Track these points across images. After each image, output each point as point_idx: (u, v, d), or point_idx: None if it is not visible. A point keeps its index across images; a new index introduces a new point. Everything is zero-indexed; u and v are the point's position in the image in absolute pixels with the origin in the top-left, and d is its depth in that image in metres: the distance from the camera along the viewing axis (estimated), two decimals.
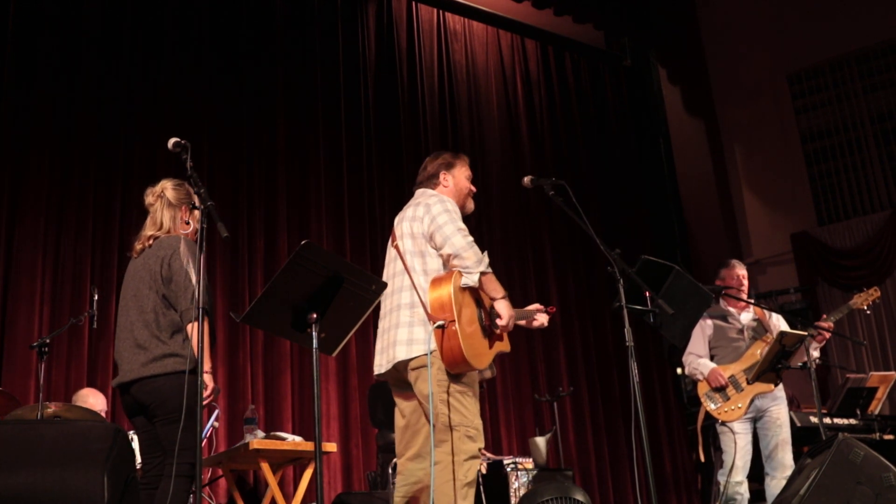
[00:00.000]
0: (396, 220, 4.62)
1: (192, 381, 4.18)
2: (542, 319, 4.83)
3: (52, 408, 5.37)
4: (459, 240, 4.30)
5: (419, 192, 4.70)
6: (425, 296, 4.31)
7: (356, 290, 3.73)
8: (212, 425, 6.60)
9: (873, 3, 11.14)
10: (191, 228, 4.52)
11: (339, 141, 8.86)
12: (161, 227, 4.44)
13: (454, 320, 4.20)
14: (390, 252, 4.58)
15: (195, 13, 8.22)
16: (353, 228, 8.63)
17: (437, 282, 4.32)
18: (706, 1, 12.44)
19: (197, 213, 4.51)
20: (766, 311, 6.45)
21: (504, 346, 4.57)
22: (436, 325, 4.21)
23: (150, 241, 4.42)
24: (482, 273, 4.33)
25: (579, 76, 11.64)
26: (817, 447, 4.76)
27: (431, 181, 4.71)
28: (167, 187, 4.52)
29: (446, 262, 4.36)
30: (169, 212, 4.47)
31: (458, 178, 4.75)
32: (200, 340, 3.68)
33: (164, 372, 4.16)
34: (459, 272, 4.30)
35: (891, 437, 7.62)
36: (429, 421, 4.31)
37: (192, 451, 3.94)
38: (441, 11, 10.34)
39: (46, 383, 5.89)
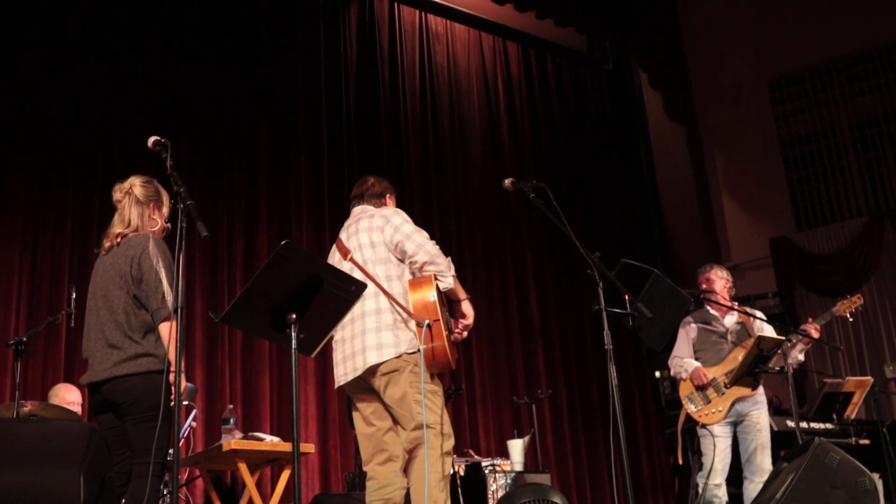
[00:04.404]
0: (344, 236, 4.77)
1: (163, 381, 4.20)
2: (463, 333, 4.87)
3: (28, 406, 5.34)
4: (431, 247, 4.52)
5: (361, 208, 4.86)
6: (401, 299, 4.46)
7: (336, 292, 3.72)
8: (189, 425, 6.58)
9: (854, 11, 11.21)
10: (158, 226, 4.51)
11: (321, 141, 8.84)
12: (129, 225, 4.43)
13: (439, 319, 4.38)
14: (343, 266, 4.61)
15: (177, 13, 8.19)
16: (334, 229, 8.55)
17: (417, 284, 4.50)
18: (688, 6, 12.49)
19: (165, 210, 4.53)
20: (752, 317, 6.47)
21: (454, 351, 4.74)
22: (425, 324, 4.35)
23: (119, 240, 4.40)
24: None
25: (561, 79, 11.66)
26: (794, 451, 4.79)
27: (378, 199, 4.88)
28: (135, 184, 4.50)
29: (420, 268, 4.52)
30: (137, 209, 4.45)
31: (395, 205, 4.95)
32: (179, 338, 3.68)
33: (138, 371, 4.15)
34: (434, 276, 4.49)
35: (866, 441, 7.67)
36: (397, 423, 4.48)
37: (163, 450, 3.96)
38: (423, 13, 10.34)
39: (23, 382, 5.85)
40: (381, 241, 4.58)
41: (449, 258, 4.58)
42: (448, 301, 4.75)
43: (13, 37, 7.26)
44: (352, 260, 4.59)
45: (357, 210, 4.87)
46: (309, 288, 3.63)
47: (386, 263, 4.55)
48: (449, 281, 4.52)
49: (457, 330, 4.68)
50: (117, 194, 4.53)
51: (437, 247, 4.55)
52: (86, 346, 4.37)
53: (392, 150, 9.44)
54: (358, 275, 4.45)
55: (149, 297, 4.23)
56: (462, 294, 4.65)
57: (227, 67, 8.39)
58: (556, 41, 11.65)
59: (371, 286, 4.43)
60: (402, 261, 4.56)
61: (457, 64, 10.51)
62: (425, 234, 4.57)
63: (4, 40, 7.21)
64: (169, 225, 4.60)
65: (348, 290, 3.79)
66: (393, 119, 9.60)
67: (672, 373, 6.53)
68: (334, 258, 4.74)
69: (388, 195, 4.93)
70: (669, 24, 12.55)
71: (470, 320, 4.65)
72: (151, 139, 3.99)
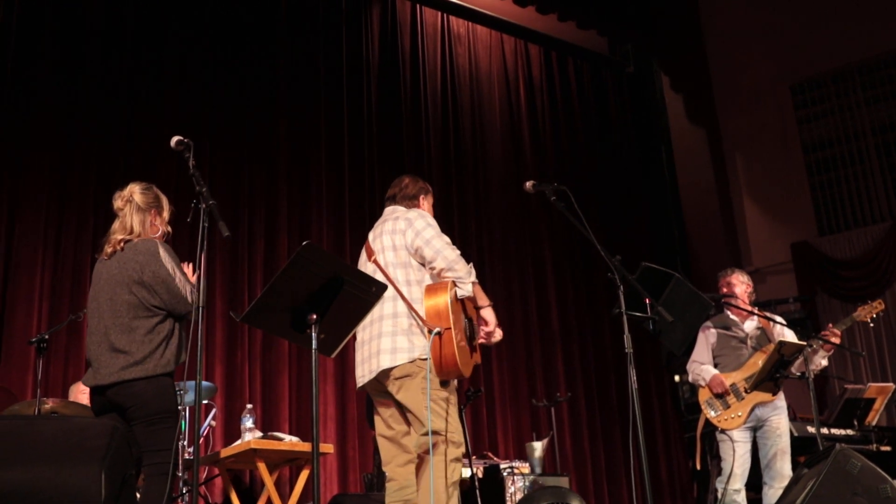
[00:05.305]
0: (371, 236, 4.77)
1: (170, 384, 4.25)
2: (498, 335, 4.75)
3: (49, 404, 5.37)
4: (450, 252, 4.47)
5: (391, 209, 4.86)
6: (417, 304, 4.45)
7: (356, 292, 3.73)
8: (209, 424, 6.60)
9: (877, 14, 11.15)
10: (160, 232, 4.55)
11: (341, 142, 8.86)
12: (132, 232, 4.47)
13: (450, 327, 4.35)
14: (367, 267, 4.63)
15: (198, 12, 8.22)
16: (354, 230, 8.62)
17: (432, 290, 4.47)
18: (710, 10, 12.45)
19: (165, 215, 4.57)
20: (772, 322, 6.44)
21: (477, 358, 4.74)
22: (434, 331, 4.33)
23: (122, 245, 4.44)
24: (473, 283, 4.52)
25: (582, 82, 11.63)
26: (814, 457, 4.75)
27: (411, 201, 4.86)
28: (135, 191, 4.55)
29: (438, 274, 4.49)
30: (138, 216, 4.50)
31: (430, 207, 4.94)
32: (196, 336, 3.70)
33: (145, 375, 4.19)
34: (453, 282, 4.45)
35: (888, 448, 7.62)
36: (411, 427, 4.48)
37: (171, 451, 4.04)
38: (445, 15, 10.34)
39: (44, 379, 5.89)
40: (403, 245, 4.56)
41: (471, 264, 4.54)
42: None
43: (33, 38, 7.29)
44: (375, 262, 4.60)
45: (388, 211, 4.87)
46: (329, 288, 3.63)
47: (406, 267, 4.54)
48: (468, 288, 4.49)
49: (481, 338, 4.68)
50: (118, 202, 4.56)
51: (458, 252, 4.51)
52: (90, 349, 4.40)
53: (413, 151, 9.44)
54: (380, 277, 4.45)
55: (174, 306, 4.29)
56: (483, 301, 4.61)
57: (249, 68, 8.41)
58: (578, 44, 11.62)
59: (390, 290, 4.41)
60: (423, 265, 4.54)
61: (478, 66, 10.51)
62: (446, 240, 4.53)
63: (25, 42, 7.24)
64: (170, 229, 4.65)
65: (368, 291, 3.80)
66: (414, 120, 9.61)
67: (690, 378, 6.50)
68: (361, 258, 4.76)
69: (421, 196, 4.90)
70: (691, 27, 12.51)
71: (491, 327, 4.61)
72: (174, 139, 4.02)
